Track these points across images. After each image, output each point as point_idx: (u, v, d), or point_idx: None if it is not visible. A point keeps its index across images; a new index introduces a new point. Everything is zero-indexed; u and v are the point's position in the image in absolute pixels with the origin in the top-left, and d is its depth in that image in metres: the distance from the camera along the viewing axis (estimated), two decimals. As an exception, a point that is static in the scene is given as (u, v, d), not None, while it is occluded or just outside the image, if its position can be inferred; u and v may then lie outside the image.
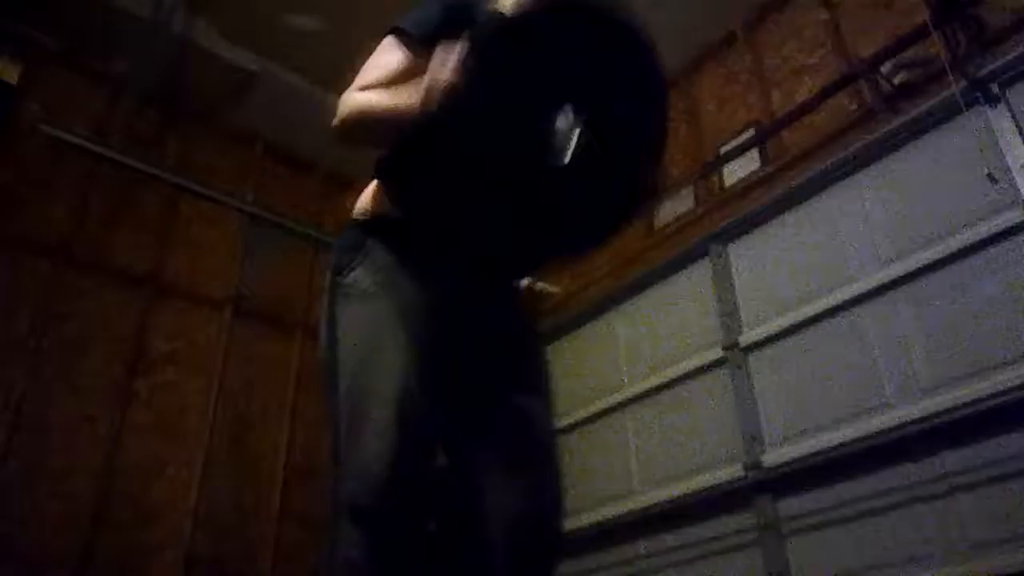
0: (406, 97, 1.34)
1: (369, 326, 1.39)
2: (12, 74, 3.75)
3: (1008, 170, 2.66)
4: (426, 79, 1.29)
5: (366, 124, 1.42)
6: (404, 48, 1.47)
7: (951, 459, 2.51)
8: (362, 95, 1.44)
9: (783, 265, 3.27)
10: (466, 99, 1.24)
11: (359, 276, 1.43)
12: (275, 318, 4.22)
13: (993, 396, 2.44)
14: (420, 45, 1.43)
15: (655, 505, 3.32)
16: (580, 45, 1.31)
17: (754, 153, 3.61)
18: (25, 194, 3.64)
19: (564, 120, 1.29)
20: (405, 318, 1.37)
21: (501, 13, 1.30)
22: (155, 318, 3.83)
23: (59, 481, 3.26)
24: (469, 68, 1.24)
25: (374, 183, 1.53)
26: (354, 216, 1.53)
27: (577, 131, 1.28)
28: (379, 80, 1.44)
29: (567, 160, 1.27)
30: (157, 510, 3.46)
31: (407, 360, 1.34)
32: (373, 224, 1.48)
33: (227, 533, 3.60)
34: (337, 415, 1.37)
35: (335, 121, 1.45)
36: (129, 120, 4.00)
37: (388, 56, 1.48)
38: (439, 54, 1.29)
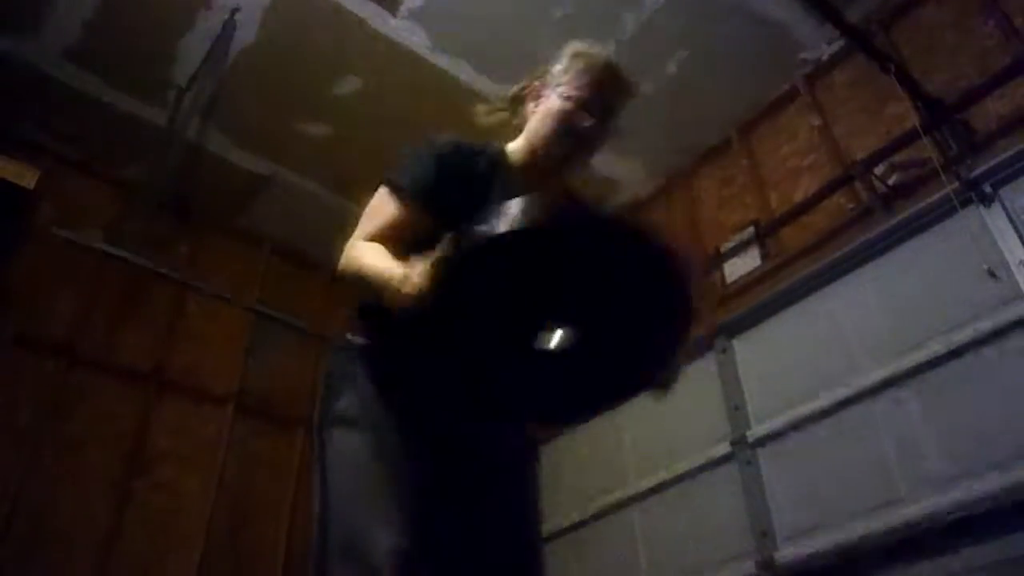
0: (395, 276, 1.29)
1: (356, 455, 1.38)
2: (29, 179, 3.85)
3: (1007, 266, 2.71)
4: (399, 275, 1.27)
5: (358, 284, 1.43)
6: (397, 202, 1.48)
7: (968, 556, 2.45)
8: (357, 255, 1.45)
9: (788, 359, 3.28)
10: (437, 304, 1.17)
11: (346, 403, 1.44)
12: (277, 415, 4.20)
13: (1007, 492, 2.40)
14: (413, 201, 1.47)
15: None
16: (583, 256, 1.21)
17: (754, 251, 3.69)
18: (35, 293, 3.68)
19: (548, 327, 1.25)
20: (391, 450, 1.37)
21: (490, 230, 1.14)
22: (157, 414, 3.81)
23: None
24: (440, 280, 1.17)
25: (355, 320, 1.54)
26: (341, 342, 1.54)
27: (559, 333, 1.24)
28: (376, 231, 1.47)
29: (546, 347, 1.24)
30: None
31: (395, 491, 1.32)
32: (359, 351, 1.49)
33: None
34: (324, 542, 1.34)
35: (338, 267, 1.48)
36: (141, 222, 4.09)
37: (383, 208, 1.50)
38: (413, 267, 1.24)
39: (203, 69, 3.82)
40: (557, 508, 3.90)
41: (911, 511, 2.62)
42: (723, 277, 3.79)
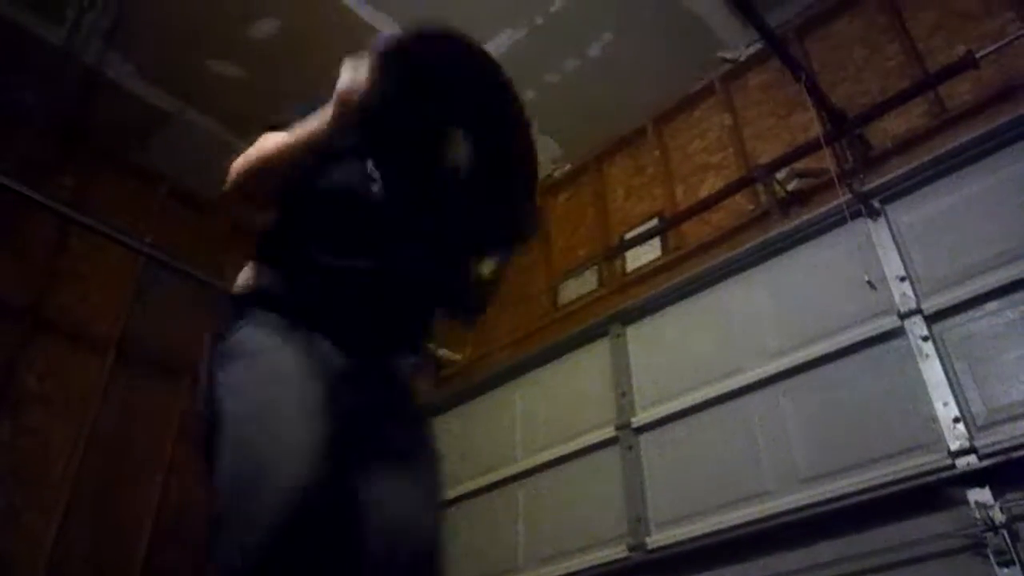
0: (307, 127, 1.33)
1: (254, 384, 1.33)
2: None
3: (885, 279, 2.86)
4: (339, 85, 1.28)
5: (265, 168, 1.39)
6: (281, 129, 1.42)
7: (825, 549, 2.60)
8: (254, 148, 1.41)
9: (677, 350, 3.37)
10: (378, 104, 1.27)
11: (242, 336, 1.39)
12: (162, 365, 4.01)
13: (865, 491, 2.56)
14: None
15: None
16: (456, 78, 1.39)
17: (656, 242, 3.76)
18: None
19: (456, 143, 1.43)
20: (290, 376, 1.32)
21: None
22: (29, 353, 3.59)
23: None
24: (383, 68, 1.26)
25: (252, 263, 1.52)
26: (234, 291, 1.51)
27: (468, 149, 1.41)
28: (264, 146, 1.41)
29: (464, 176, 1.41)
30: (6, 560, 3.17)
31: (297, 415, 1.27)
32: (254, 296, 1.46)
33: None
34: (221, 478, 1.26)
35: (227, 185, 1.41)
36: (27, 146, 3.82)
37: (267, 136, 1.44)
38: (348, 65, 1.29)
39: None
40: (454, 476, 3.92)
41: (776, 504, 2.77)
42: (624, 265, 3.86)
